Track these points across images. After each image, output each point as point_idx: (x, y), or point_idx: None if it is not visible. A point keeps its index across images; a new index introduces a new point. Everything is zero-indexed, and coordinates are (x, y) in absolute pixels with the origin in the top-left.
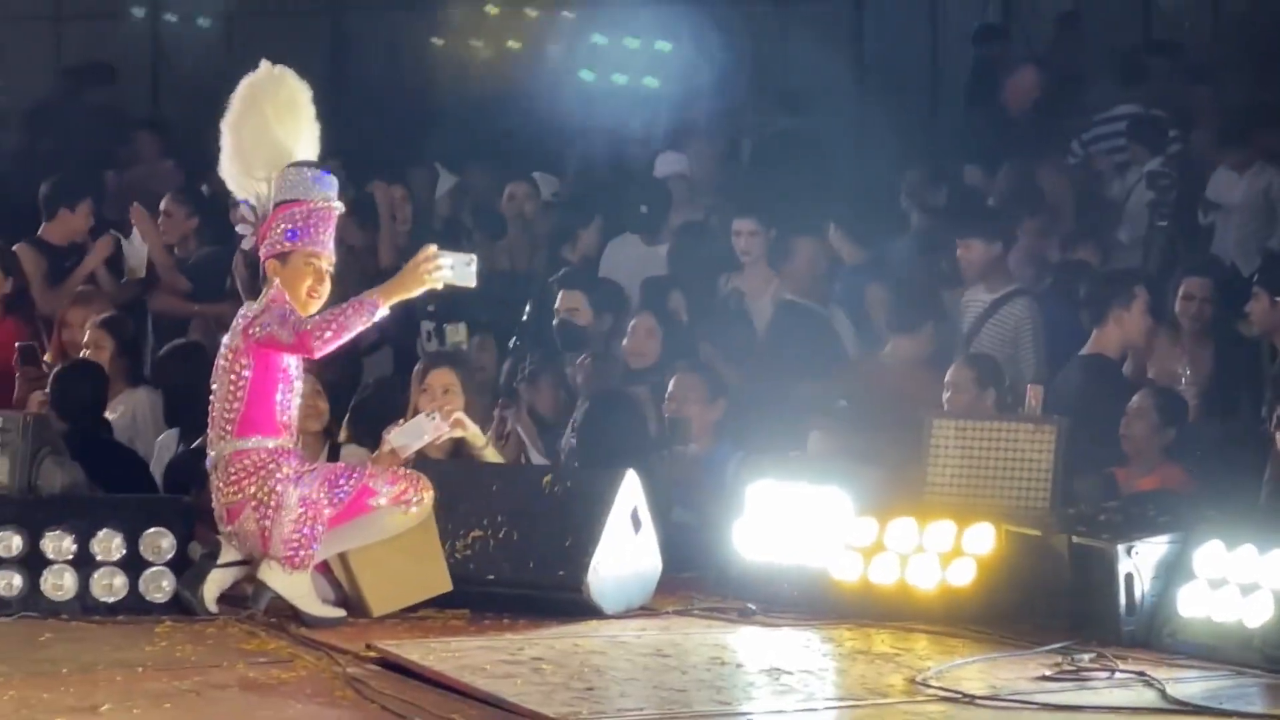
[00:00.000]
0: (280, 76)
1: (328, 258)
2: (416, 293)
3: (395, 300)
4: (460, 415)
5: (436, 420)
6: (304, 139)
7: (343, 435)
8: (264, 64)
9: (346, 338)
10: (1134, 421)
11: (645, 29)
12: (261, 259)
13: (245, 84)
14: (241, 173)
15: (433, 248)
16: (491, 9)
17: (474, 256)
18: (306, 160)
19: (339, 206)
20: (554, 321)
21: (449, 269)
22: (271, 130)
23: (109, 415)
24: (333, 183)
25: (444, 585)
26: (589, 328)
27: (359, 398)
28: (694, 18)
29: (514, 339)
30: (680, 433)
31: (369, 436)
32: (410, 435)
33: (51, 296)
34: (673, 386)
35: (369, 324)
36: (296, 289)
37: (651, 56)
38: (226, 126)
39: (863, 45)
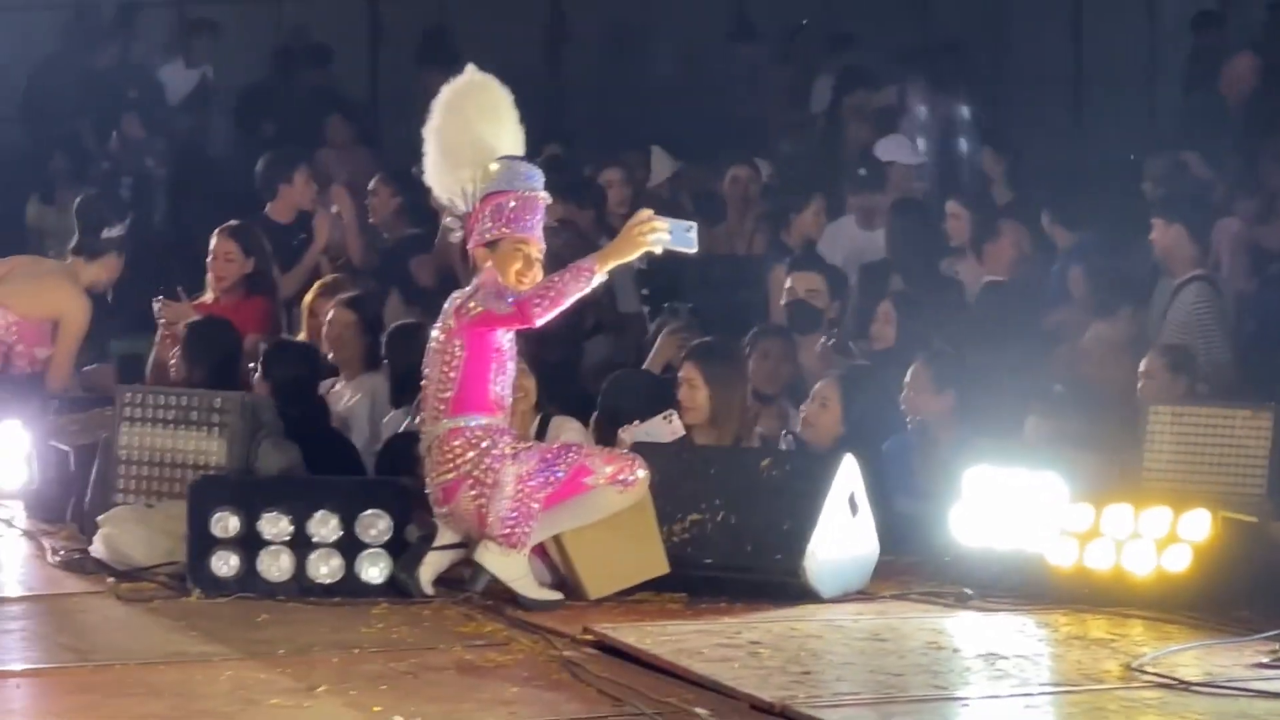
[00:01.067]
0: (483, 82)
1: (537, 245)
2: (633, 256)
3: (612, 265)
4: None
5: (675, 422)
6: (507, 139)
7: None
8: (468, 69)
9: (565, 304)
10: None
11: None
12: (470, 249)
13: (448, 90)
14: (446, 172)
15: (648, 211)
16: None
17: (694, 224)
18: (512, 155)
19: (545, 196)
20: (784, 302)
21: (667, 233)
22: (474, 129)
23: (344, 400)
24: (539, 175)
25: (661, 567)
26: (824, 310)
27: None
28: None
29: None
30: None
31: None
32: (648, 437)
33: (285, 278)
34: (909, 376)
35: (586, 290)
36: (506, 272)
37: None
38: (429, 132)
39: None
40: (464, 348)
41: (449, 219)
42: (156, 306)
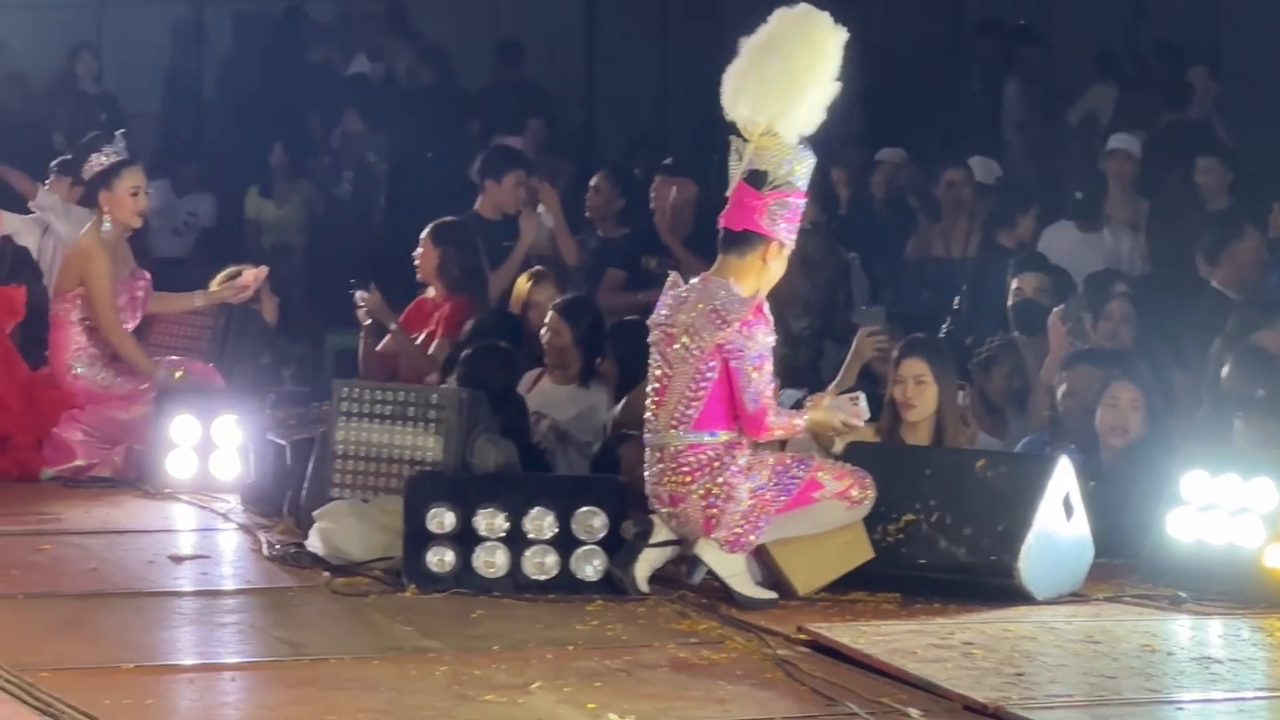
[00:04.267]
0: (820, 18)
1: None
2: (829, 431)
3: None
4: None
5: (861, 404)
6: (820, 84)
7: None
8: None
9: (781, 438)
10: None
11: None
12: (760, 229)
13: (781, 15)
14: (750, 92)
15: (854, 408)
16: None
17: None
18: (806, 142)
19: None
20: (1011, 303)
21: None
22: (795, 60)
23: (562, 407)
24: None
25: (866, 553)
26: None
27: None
28: None
29: (947, 321)
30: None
31: None
32: (835, 410)
33: (494, 276)
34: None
35: (790, 436)
36: (769, 279)
37: None
38: (748, 46)
39: None
40: (717, 370)
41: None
42: (357, 300)
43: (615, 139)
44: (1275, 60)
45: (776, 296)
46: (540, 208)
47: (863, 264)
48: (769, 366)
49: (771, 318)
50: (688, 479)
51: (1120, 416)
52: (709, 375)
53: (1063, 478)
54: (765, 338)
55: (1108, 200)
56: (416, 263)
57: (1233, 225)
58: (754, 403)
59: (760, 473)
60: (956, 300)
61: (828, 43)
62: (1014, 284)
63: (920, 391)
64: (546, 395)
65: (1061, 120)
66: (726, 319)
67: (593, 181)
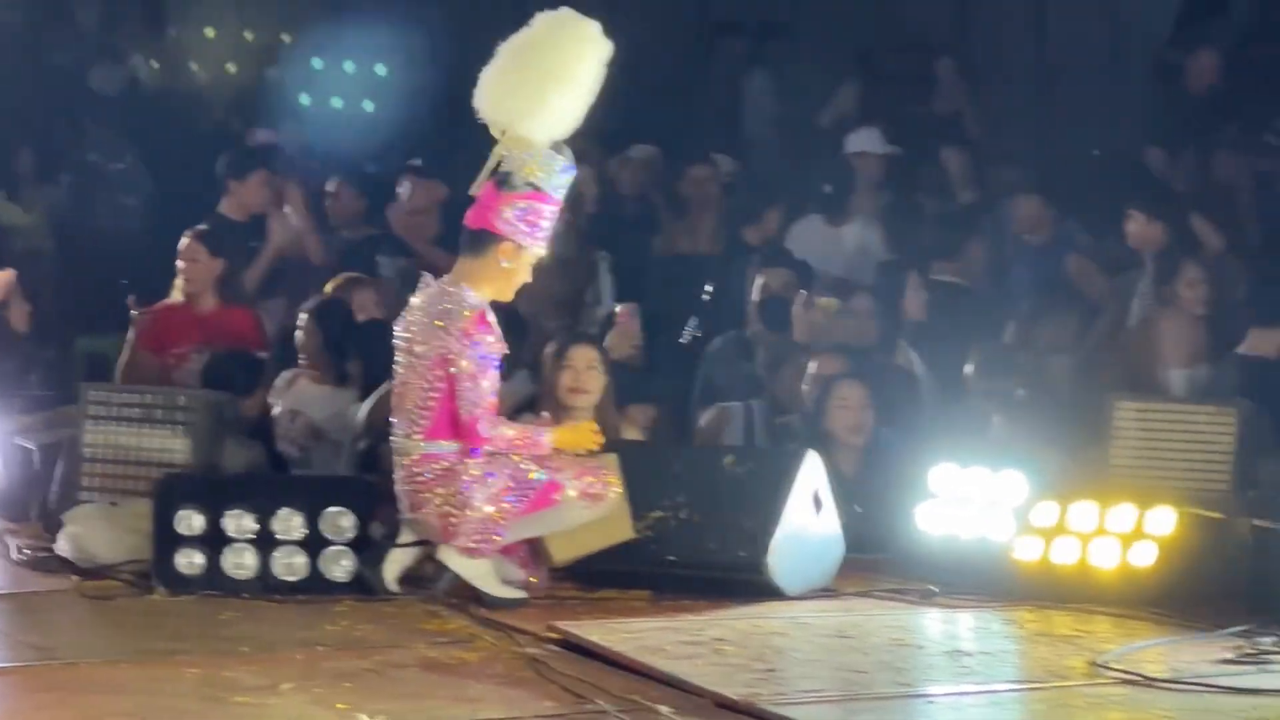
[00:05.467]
0: (583, 22)
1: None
2: (577, 451)
3: (560, 448)
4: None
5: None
6: (580, 84)
7: None
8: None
9: (510, 450)
10: None
11: None
12: (499, 233)
13: (544, 17)
14: (505, 93)
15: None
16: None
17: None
18: (560, 145)
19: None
20: (756, 299)
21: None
22: (551, 59)
23: (315, 416)
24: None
25: (627, 532)
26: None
27: None
28: None
29: (693, 320)
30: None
31: None
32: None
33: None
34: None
35: (525, 451)
36: (510, 283)
37: None
38: (505, 47)
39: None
40: (445, 379)
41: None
42: (131, 305)
43: (364, 141)
44: (1019, 52)
45: (529, 297)
46: (286, 207)
47: (611, 262)
48: (491, 376)
49: (497, 328)
50: (425, 488)
51: (854, 415)
52: (438, 385)
53: (811, 473)
54: (489, 347)
55: (854, 194)
56: (183, 270)
57: (973, 220)
58: (468, 411)
59: (498, 479)
60: (703, 296)
61: (582, 49)
62: (759, 280)
63: (591, 378)
64: (303, 395)
65: (809, 115)
66: (448, 328)
67: (329, 186)
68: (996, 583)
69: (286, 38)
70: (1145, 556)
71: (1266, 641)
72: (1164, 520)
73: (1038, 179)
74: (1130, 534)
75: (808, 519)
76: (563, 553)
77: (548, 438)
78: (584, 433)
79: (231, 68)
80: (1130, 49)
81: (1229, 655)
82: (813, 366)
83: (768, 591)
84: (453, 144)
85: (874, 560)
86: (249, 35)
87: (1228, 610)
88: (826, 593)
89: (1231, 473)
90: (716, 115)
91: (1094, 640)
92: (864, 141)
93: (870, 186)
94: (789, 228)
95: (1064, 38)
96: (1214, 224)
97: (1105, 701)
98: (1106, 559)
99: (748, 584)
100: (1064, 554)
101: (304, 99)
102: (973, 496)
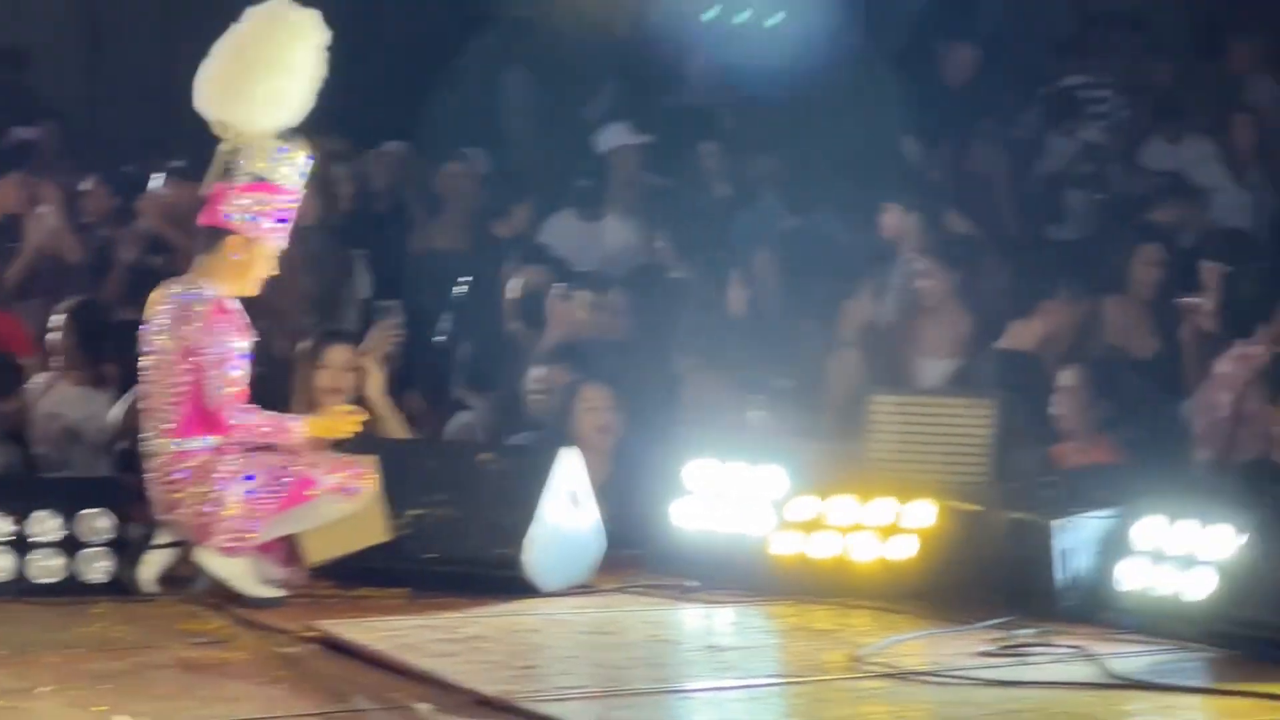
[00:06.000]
0: (301, 14)
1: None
2: (333, 438)
3: (314, 437)
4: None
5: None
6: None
7: None
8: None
9: (249, 439)
10: (1064, 399)
11: None
12: (226, 226)
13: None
14: (225, 89)
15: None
16: None
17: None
18: (291, 134)
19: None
20: (511, 296)
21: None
22: (270, 51)
23: (73, 417)
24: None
25: (382, 534)
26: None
27: None
28: None
29: (449, 315)
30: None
31: None
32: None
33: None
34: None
35: (277, 441)
36: (249, 276)
37: None
38: (220, 45)
39: None
40: (191, 373)
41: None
42: None
43: (126, 140)
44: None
45: (281, 296)
46: (43, 207)
47: (367, 259)
48: (236, 364)
49: (247, 321)
50: (178, 488)
51: (602, 418)
52: (184, 380)
53: (568, 470)
54: (234, 339)
55: (609, 189)
56: None
57: (730, 212)
58: (213, 400)
59: (253, 476)
60: (456, 293)
61: (293, 36)
62: (513, 277)
63: (347, 378)
64: (61, 397)
65: (564, 111)
66: (188, 319)
67: (85, 186)
68: (755, 578)
69: None
70: (904, 550)
71: (1024, 633)
72: (922, 513)
73: (795, 171)
74: (889, 527)
75: (565, 515)
76: (318, 553)
77: (300, 426)
78: (338, 418)
79: None
80: (886, 40)
81: (988, 648)
82: (541, 371)
83: (526, 588)
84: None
85: (633, 556)
86: None
87: (986, 602)
88: (585, 589)
89: (989, 465)
90: (471, 111)
91: (853, 634)
92: (618, 136)
93: (625, 181)
94: (542, 223)
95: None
96: (971, 216)
97: (864, 695)
98: (865, 552)
99: (506, 581)
100: (823, 548)
101: None
102: (731, 491)
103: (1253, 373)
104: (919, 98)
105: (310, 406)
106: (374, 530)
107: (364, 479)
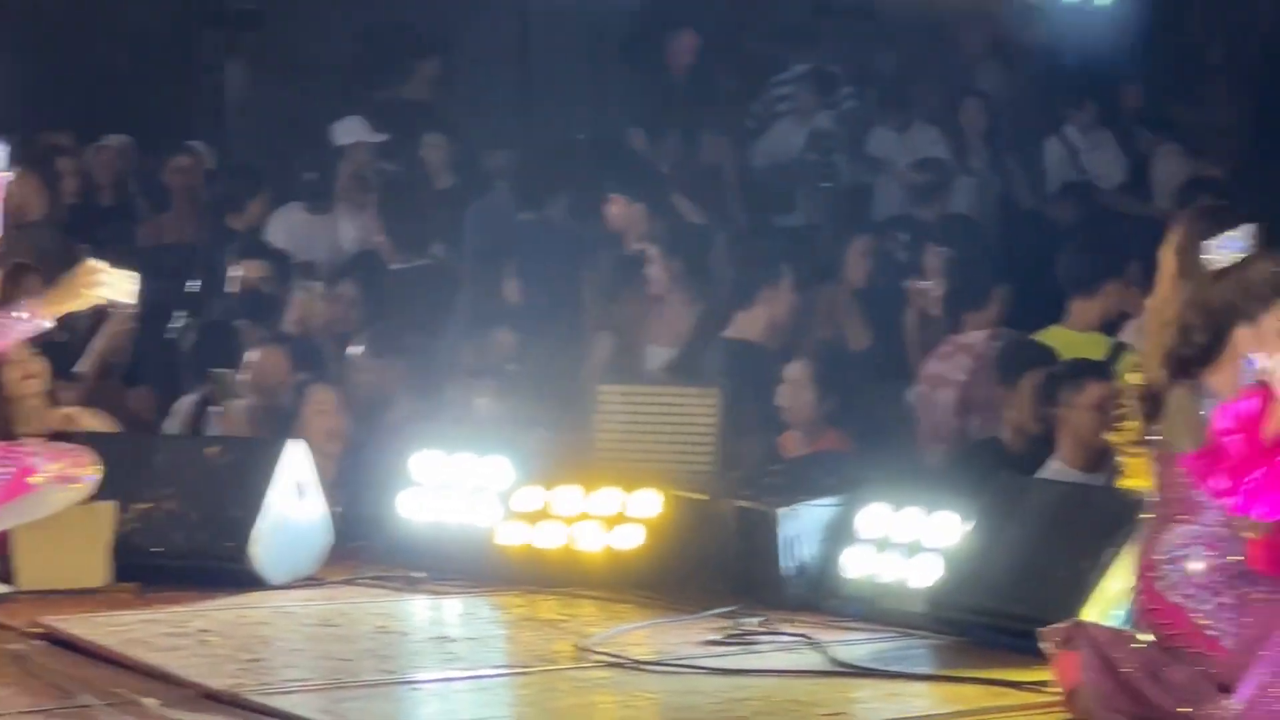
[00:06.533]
0: None
1: None
2: (77, 306)
3: (57, 313)
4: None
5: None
6: None
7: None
8: None
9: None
10: (790, 391)
11: None
12: None
13: None
14: None
15: (97, 264)
16: None
17: (136, 274)
18: None
19: (9, 175)
20: (234, 290)
21: (108, 285)
22: None
23: None
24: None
25: (96, 580)
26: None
27: None
28: None
29: (183, 313)
30: None
31: None
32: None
33: None
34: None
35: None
36: None
37: None
38: None
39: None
40: None
41: None
42: None
43: None
44: (498, 40)
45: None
46: None
47: (94, 254)
48: None
49: None
50: None
51: (330, 420)
52: None
53: (295, 462)
54: None
55: (339, 181)
56: None
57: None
58: None
59: None
60: (190, 288)
61: None
62: (236, 270)
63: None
64: None
65: (292, 104)
66: None
67: None
68: (483, 568)
69: None
70: (630, 539)
71: (751, 622)
72: (649, 503)
73: (520, 163)
74: (615, 517)
75: (291, 508)
76: (29, 580)
77: (41, 312)
78: (76, 286)
79: None
80: (609, 29)
81: (714, 636)
82: (254, 355)
83: (252, 581)
84: None
85: (360, 548)
86: None
87: (713, 591)
88: (313, 581)
89: (715, 454)
90: (198, 104)
91: (580, 624)
92: (351, 131)
93: (355, 175)
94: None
95: (544, 19)
96: (698, 205)
97: (591, 685)
98: (591, 542)
99: (234, 573)
100: (549, 538)
101: None
102: (457, 482)
103: (977, 361)
104: (644, 88)
105: (6, 402)
106: (92, 573)
107: (85, 467)
